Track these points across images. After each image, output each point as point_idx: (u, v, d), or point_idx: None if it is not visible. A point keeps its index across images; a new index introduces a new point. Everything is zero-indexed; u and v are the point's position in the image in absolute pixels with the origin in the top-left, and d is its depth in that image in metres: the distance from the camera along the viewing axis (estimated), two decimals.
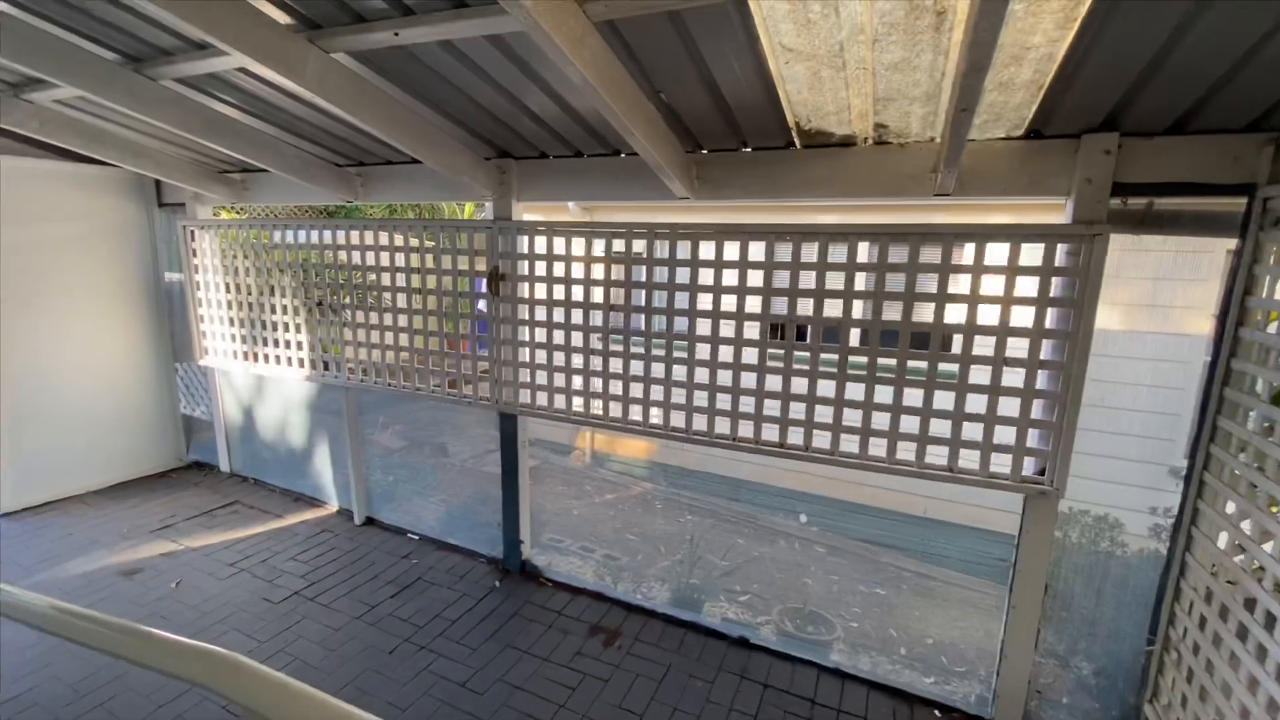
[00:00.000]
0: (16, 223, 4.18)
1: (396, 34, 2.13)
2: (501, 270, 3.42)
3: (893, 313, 2.63)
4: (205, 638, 3.10)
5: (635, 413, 3.23)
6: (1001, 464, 2.51)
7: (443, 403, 3.83)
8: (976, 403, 2.51)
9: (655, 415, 3.16)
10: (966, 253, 2.48)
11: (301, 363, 4.32)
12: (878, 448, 2.68)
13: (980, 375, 2.46)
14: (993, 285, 2.43)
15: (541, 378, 3.45)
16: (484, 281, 3.53)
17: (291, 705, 0.79)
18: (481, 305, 3.72)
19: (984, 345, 2.44)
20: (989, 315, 2.42)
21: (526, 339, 3.46)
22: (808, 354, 2.72)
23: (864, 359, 2.63)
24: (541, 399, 3.48)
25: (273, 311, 4.35)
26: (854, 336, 2.66)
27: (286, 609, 3.38)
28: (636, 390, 3.18)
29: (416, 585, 3.66)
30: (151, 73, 2.79)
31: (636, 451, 7.43)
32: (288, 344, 4.35)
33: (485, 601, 3.52)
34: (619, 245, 3.10)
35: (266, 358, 4.49)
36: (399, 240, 3.73)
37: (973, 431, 2.52)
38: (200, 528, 4.27)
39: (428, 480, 5.00)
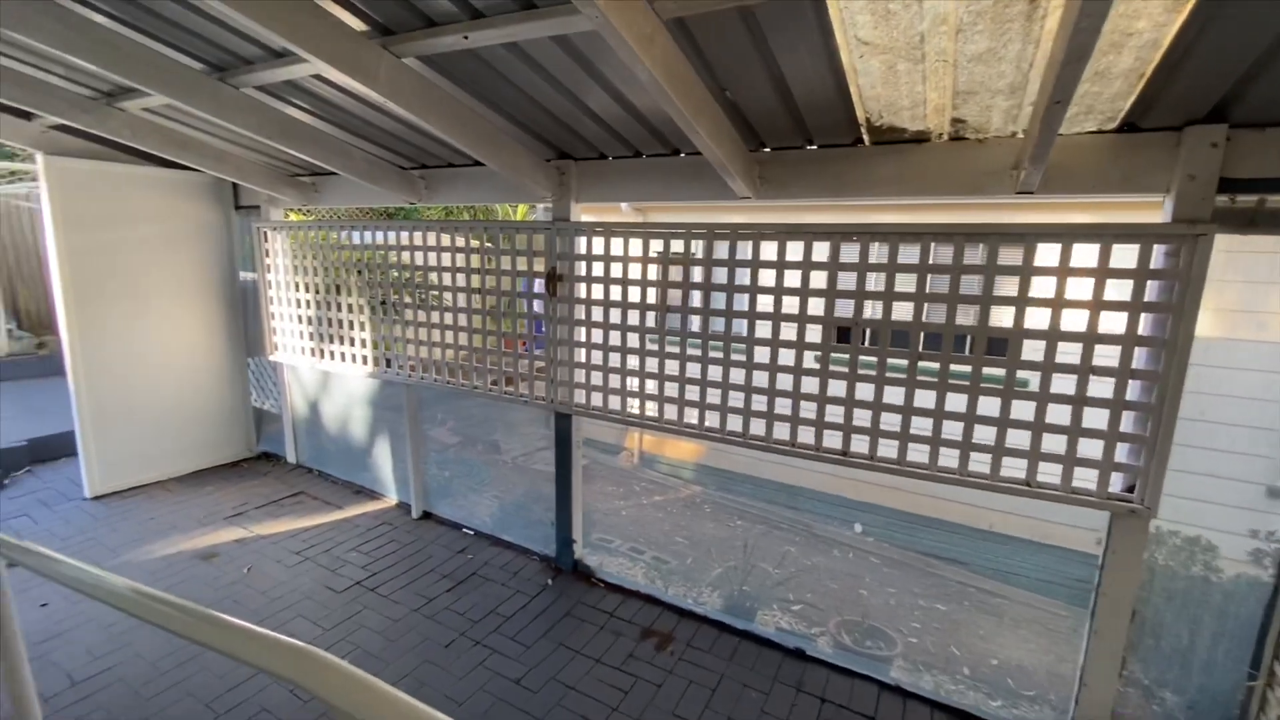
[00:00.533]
0: (110, 224, 4.46)
1: (466, 37, 2.16)
2: (559, 271, 3.44)
3: (966, 317, 2.51)
4: (274, 623, 3.24)
5: (691, 416, 3.19)
6: (1086, 479, 2.35)
7: (499, 401, 3.87)
8: (1058, 414, 2.36)
9: (711, 419, 3.11)
10: (1048, 254, 2.34)
11: (365, 359, 4.46)
12: (949, 458, 2.56)
13: (1064, 384, 2.31)
14: (1079, 289, 2.28)
15: (597, 378, 3.45)
16: (537, 282, 3.56)
17: (377, 705, 0.79)
18: (533, 305, 3.76)
19: (1069, 353, 2.29)
20: (1074, 321, 2.28)
21: (583, 339, 3.47)
22: (874, 359, 2.62)
23: (935, 365, 2.52)
24: (597, 400, 3.48)
25: (339, 310, 4.51)
26: (925, 341, 2.54)
27: (348, 598, 3.49)
28: (693, 393, 3.14)
29: (471, 580, 3.71)
30: (234, 81, 2.92)
31: (684, 453, 7.38)
32: (352, 341, 4.50)
33: (538, 599, 3.54)
34: (676, 246, 3.07)
35: (332, 354, 4.65)
36: (459, 241, 3.80)
37: (1053, 444, 2.37)
38: (269, 516, 4.45)
39: (481, 476, 5.09)
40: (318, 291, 4.62)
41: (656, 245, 3.12)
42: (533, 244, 3.52)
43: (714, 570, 4.59)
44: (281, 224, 4.78)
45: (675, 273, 3.10)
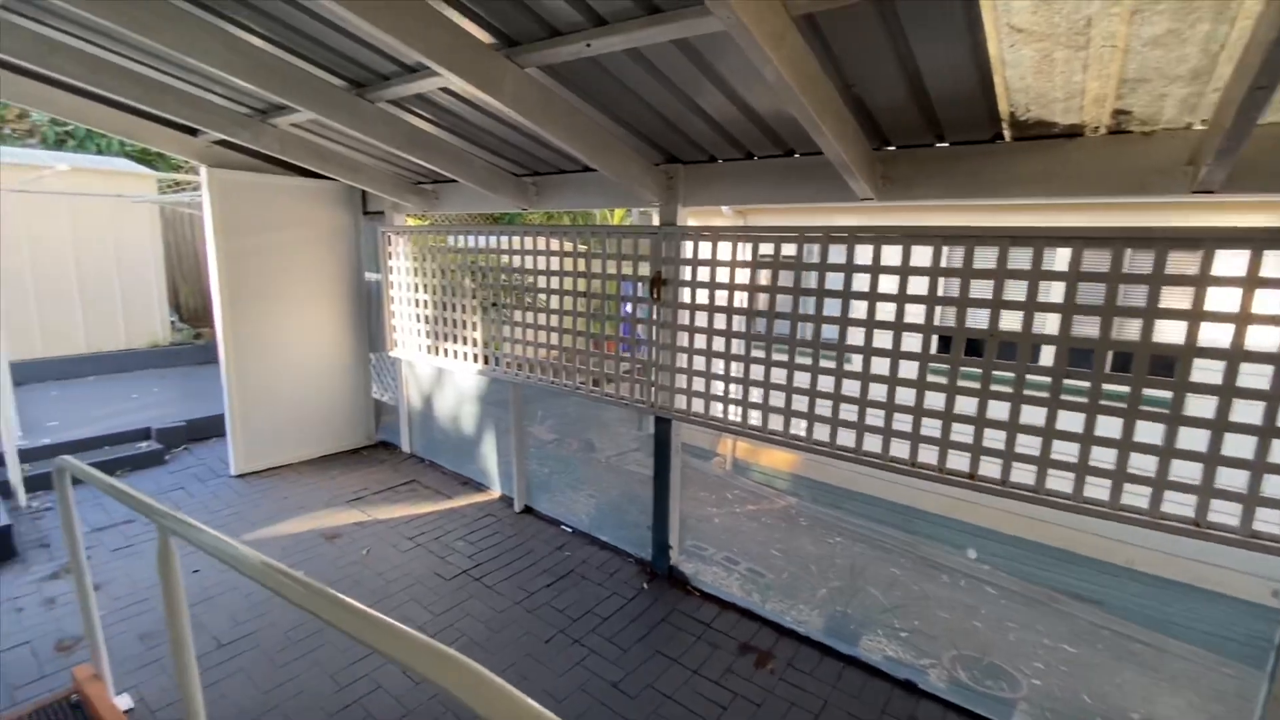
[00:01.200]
0: (258, 229, 4.93)
1: (589, 44, 2.18)
2: (664, 275, 3.42)
3: (1124, 331, 2.24)
4: (388, 605, 3.44)
5: (798, 427, 3.07)
6: (1271, 521, 2.03)
7: (599, 402, 3.92)
8: (1238, 445, 2.05)
9: (820, 432, 2.97)
10: (1227, 261, 2.04)
11: (475, 357, 4.66)
12: (1097, 488, 2.30)
13: (1250, 413, 2.01)
14: (1271, 302, 1.97)
15: (699, 384, 3.40)
16: (633, 286, 3.57)
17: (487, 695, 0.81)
18: (628, 308, 3.80)
19: (1257, 375, 1.98)
20: (1264, 338, 1.97)
21: (685, 344, 3.43)
22: (1011, 375, 2.40)
23: (1083, 384, 2.27)
24: (698, 405, 3.44)
25: (452, 310, 4.74)
26: (1072, 358, 2.30)
27: (456, 586, 3.65)
28: (800, 404, 3.02)
29: (570, 578, 3.78)
30: (370, 96, 3.13)
31: (779, 462, 7.17)
32: (464, 340, 4.71)
33: (635, 602, 3.54)
34: (783, 249, 2.97)
35: (446, 351, 4.90)
36: (568, 246, 3.88)
37: (1232, 480, 2.06)
38: (385, 502, 4.76)
39: (576, 474, 5.18)
40: (434, 292, 4.89)
41: (763, 249, 3.03)
42: (638, 248, 3.53)
43: (813, 588, 4.41)
44: (403, 229, 5.10)
45: (785, 277, 2.99)
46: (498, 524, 4.46)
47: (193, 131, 4.51)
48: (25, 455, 4.78)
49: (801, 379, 2.99)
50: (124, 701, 2.67)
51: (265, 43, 2.78)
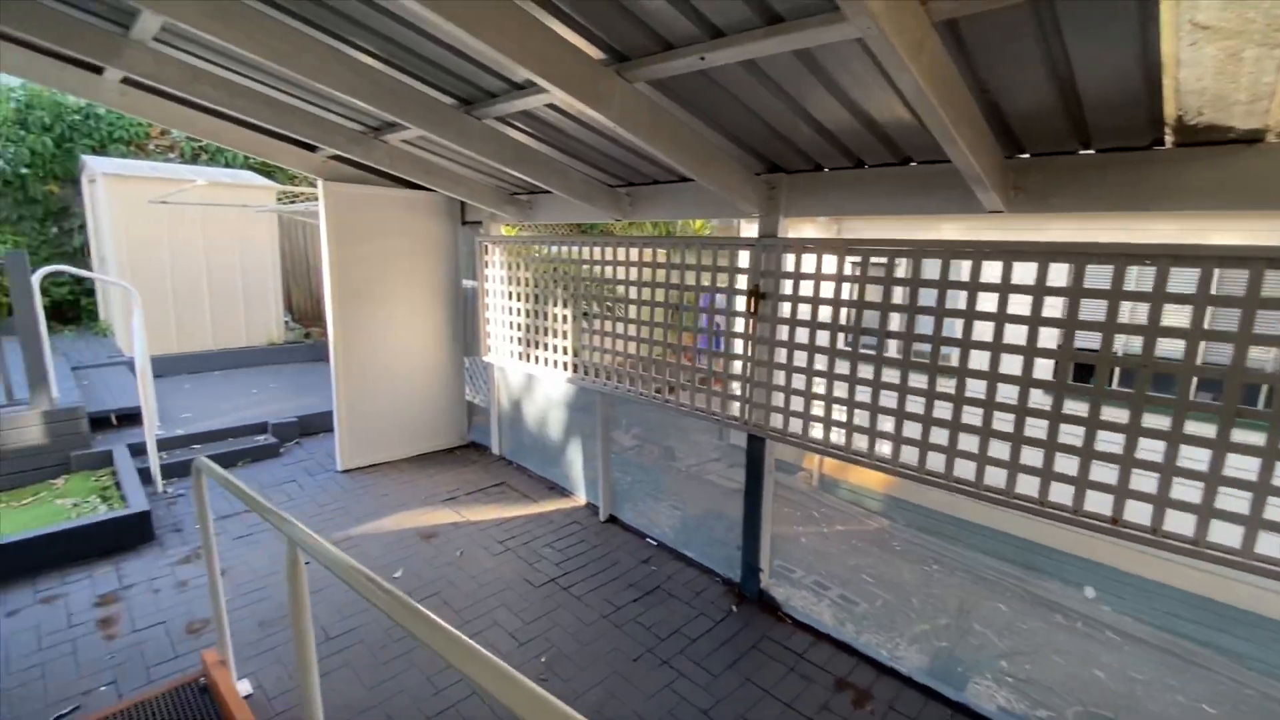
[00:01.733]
0: (367, 237, 5.20)
1: (703, 58, 2.12)
2: (762, 289, 3.31)
3: None
4: (481, 609, 3.51)
5: (908, 454, 2.88)
6: None
7: (689, 415, 3.85)
8: None
9: (935, 461, 2.77)
10: None
11: (564, 365, 4.71)
12: (1270, 545, 2.00)
13: None
14: None
15: (797, 403, 3.26)
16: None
17: None
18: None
19: None
20: None
21: (783, 361, 3.31)
22: (1169, 409, 2.13)
23: (1262, 423, 1.98)
24: (797, 426, 3.30)
25: (544, 318, 4.82)
26: (1246, 394, 2.01)
27: (545, 594, 3.68)
28: (912, 429, 2.83)
29: (657, 594, 3.73)
30: (477, 113, 3.20)
31: (870, 481, 6.83)
32: (554, 347, 4.78)
33: (723, 625, 3.45)
34: (878, 262, 2.79)
35: (536, 358, 4.99)
36: (660, 256, 3.83)
37: None
38: (477, 503, 4.89)
39: (657, 483, 5.14)
40: (526, 300, 4.99)
41: (856, 262, 2.87)
42: (735, 260, 3.44)
43: (912, 621, 4.15)
44: (499, 238, 5.24)
45: (898, 294, 2.81)
46: (584, 532, 4.48)
47: (312, 148, 4.82)
48: (162, 444, 5.26)
49: (915, 404, 2.80)
50: (244, 687, 2.85)
51: (383, 65, 2.90)
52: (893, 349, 2.99)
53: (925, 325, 2.77)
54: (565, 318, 4.63)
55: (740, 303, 3.45)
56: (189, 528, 4.35)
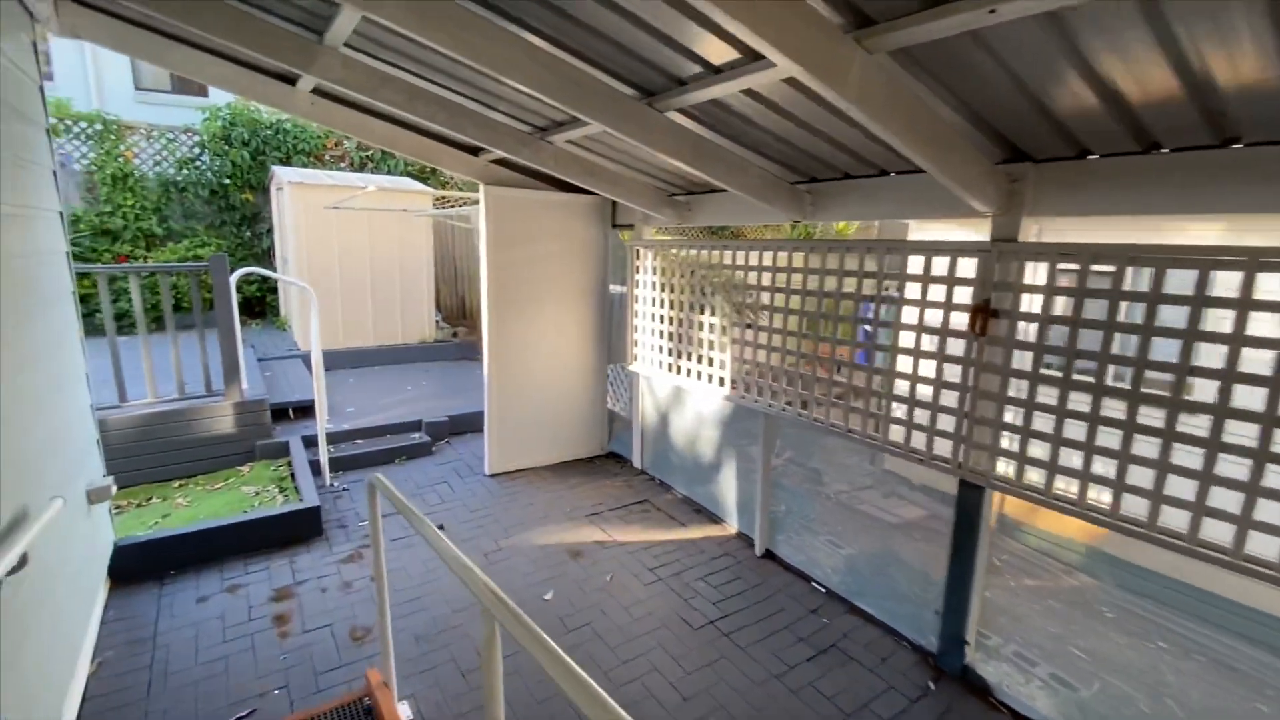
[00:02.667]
0: (522, 242, 5.13)
1: (993, 10, 1.62)
2: (993, 305, 2.71)
3: None
4: (636, 649, 3.19)
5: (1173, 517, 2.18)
6: None
7: (882, 451, 3.30)
8: None
9: (1218, 530, 2.06)
10: None
11: (720, 380, 4.33)
12: None
13: None
14: None
15: (1035, 448, 2.63)
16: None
17: None
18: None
19: None
20: None
21: (1017, 394, 2.69)
22: None
23: None
24: (1032, 476, 2.67)
25: (699, 328, 4.46)
26: None
27: (704, 640, 3.31)
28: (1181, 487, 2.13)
29: (833, 653, 3.23)
30: (660, 105, 2.89)
31: (1069, 529, 5.80)
32: (710, 361, 4.41)
33: (921, 706, 2.88)
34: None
35: (687, 371, 4.65)
36: (848, 263, 3.33)
37: None
38: (621, 521, 4.64)
39: (806, 511, 4.59)
40: (679, 308, 4.66)
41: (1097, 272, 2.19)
42: (954, 269, 2.86)
43: (1152, 718, 3.31)
44: (652, 242, 4.96)
45: (1216, 318, 2.12)
46: (739, 567, 4.07)
47: (475, 152, 4.81)
48: (330, 438, 5.53)
49: (1179, 452, 2.11)
50: (405, 710, 2.73)
51: (568, 54, 2.66)
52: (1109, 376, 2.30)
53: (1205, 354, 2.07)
54: (724, 329, 4.24)
55: (941, 319, 2.87)
56: (352, 524, 4.46)
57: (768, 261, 3.82)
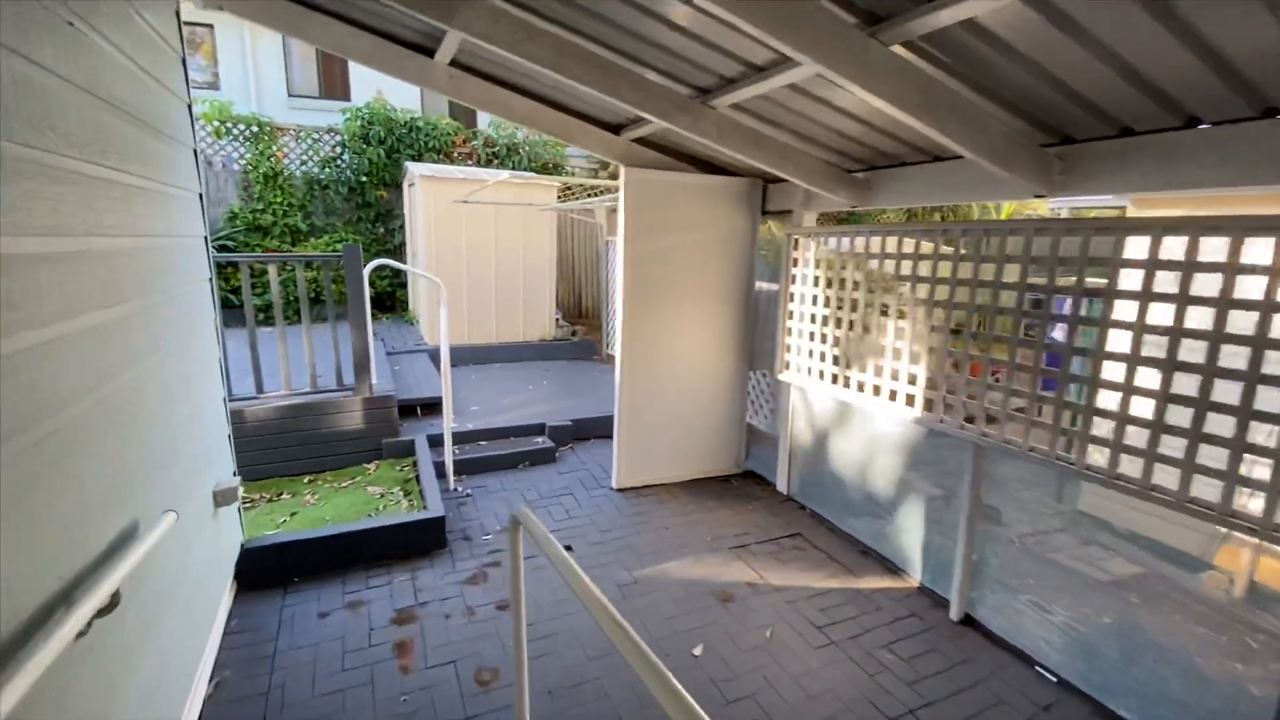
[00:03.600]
0: (661, 231, 4.57)
1: None
2: None
3: None
4: None
5: None
6: None
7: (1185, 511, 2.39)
8: None
9: None
10: None
11: (910, 399, 3.51)
12: None
13: None
14: None
15: None
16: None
17: None
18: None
19: None
20: None
21: None
22: None
23: None
24: None
25: (882, 334, 3.67)
26: None
27: None
28: None
29: None
30: (886, 35, 2.17)
31: None
32: (895, 374, 3.60)
33: None
34: None
35: (861, 385, 3.87)
36: (1137, 249, 2.43)
37: None
38: (772, 558, 3.94)
39: (985, 555, 3.64)
40: (853, 308, 3.89)
41: None
42: None
43: None
44: (819, 231, 4.21)
45: None
46: (932, 635, 3.24)
47: (616, 130, 4.31)
48: (455, 438, 5.25)
49: None
50: None
51: None
52: None
53: None
54: (921, 336, 3.42)
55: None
56: (477, 537, 4.09)
57: (990, 249, 2.97)
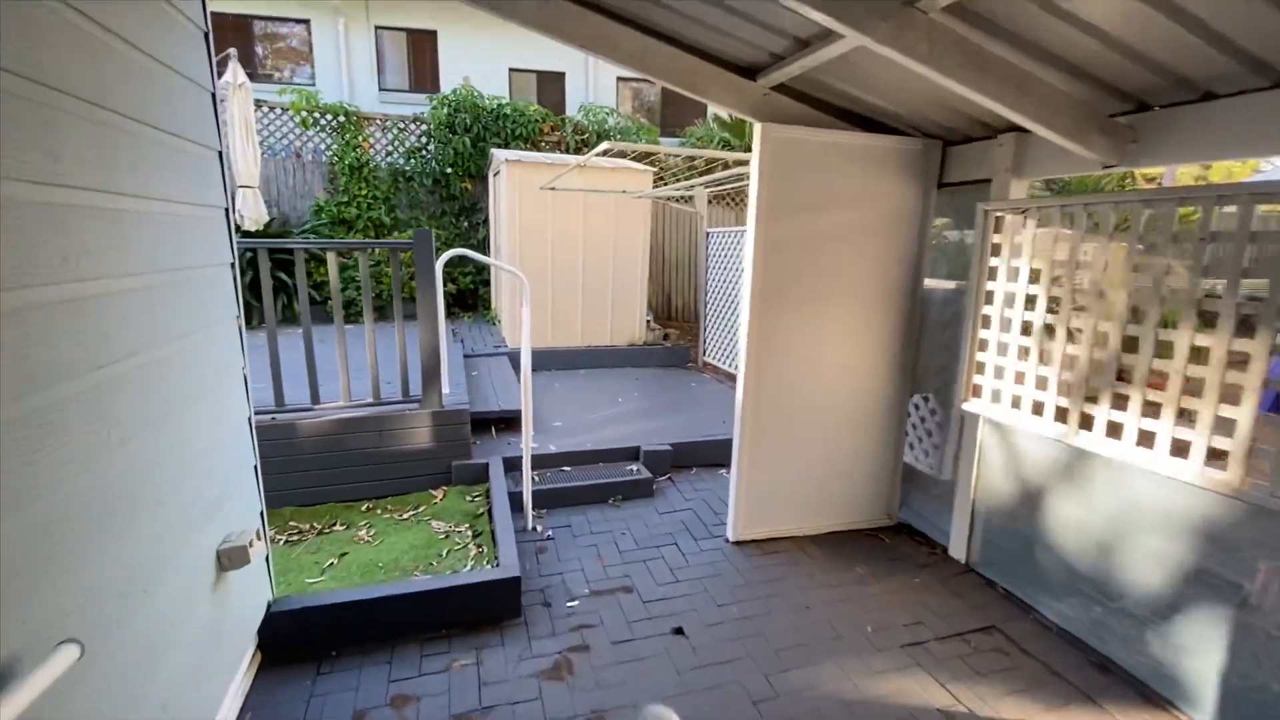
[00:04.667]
0: (804, 207, 3.50)
1: None
2: None
3: None
4: None
5: None
6: None
7: None
8: None
9: None
10: None
11: (1217, 457, 2.26)
12: None
13: None
14: None
15: None
16: None
17: None
18: None
19: None
20: None
21: None
22: None
23: None
24: None
25: (1164, 355, 2.43)
26: None
27: None
28: None
29: None
30: None
31: None
32: (1188, 416, 2.36)
33: None
34: None
35: (1114, 427, 2.64)
36: None
37: None
38: (964, 666, 2.77)
39: (1242, 656, 2.31)
40: (1106, 316, 2.66)
41: None
42: None
43: None
44: (1043, 202, 2.99)
45: None
46: None
47: (751, 75, 3.28)
48: (535, 462, 4.39)
49: None
50: None
51: None
52: None
53: None
54: (1244, 362, 2.17)
55: None
56: (559, 602, 3.18)
57: None
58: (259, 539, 2.39)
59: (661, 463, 4.76)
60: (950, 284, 3.81)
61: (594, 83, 13.29)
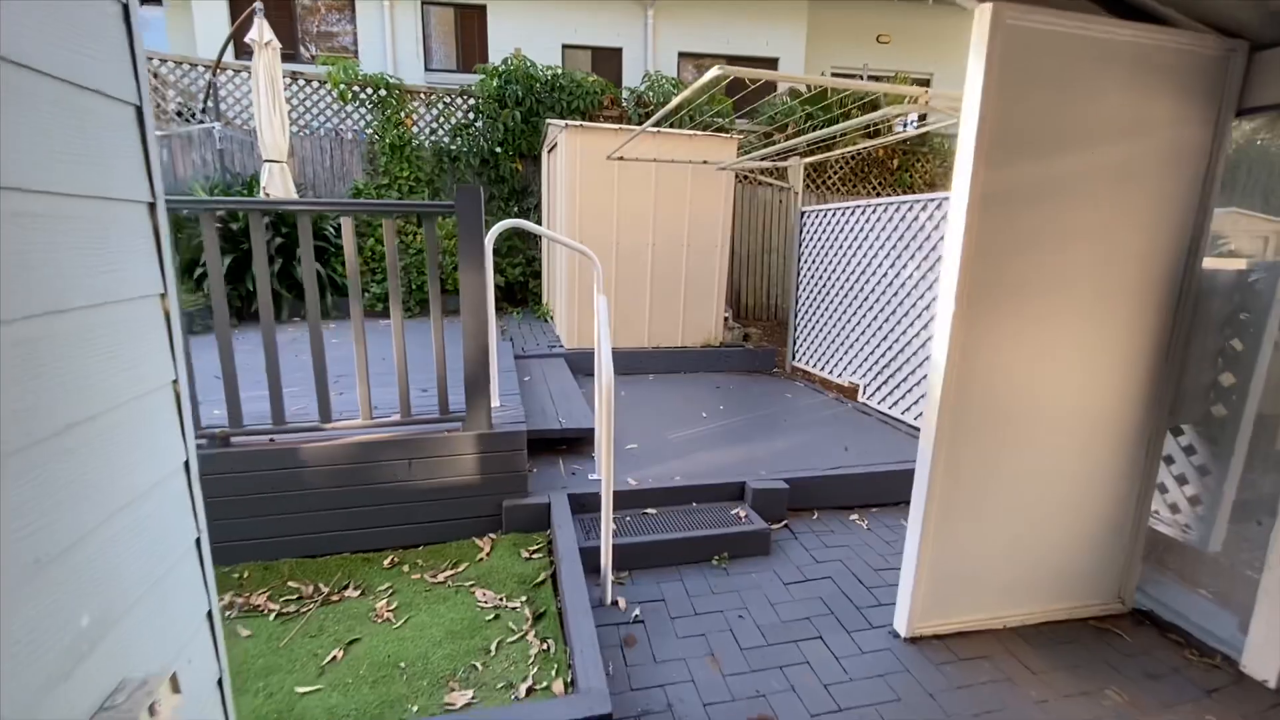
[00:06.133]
0: (1042, 143, 2.31)
1: None
2: None
3: None
4: None
5: None
6: None
7: None
8: None
9: None
10: None
11: None
12: None
13: None
14: None
15: None
16: None
17: None
18: None
19: None
20: None
21: None
22: None
23: None
24: None
25: None
26: None
27: None
28: None
29: None
30: None
31: None
32: None
33: None
34: None
35: None
36: None
37: None
38: None
39: None
40: None
41: None
42: None
43: None
44: None
45: None
46: None
47: None
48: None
49: None
50: None
51: None
52: None
53: None
54: None
55: None
56: None
57: None
58: (173, 691, 1.34)
59: (775, 504, 3.60)
60: (1238, 262, 2.55)
61: (653, 58, 12.18)
